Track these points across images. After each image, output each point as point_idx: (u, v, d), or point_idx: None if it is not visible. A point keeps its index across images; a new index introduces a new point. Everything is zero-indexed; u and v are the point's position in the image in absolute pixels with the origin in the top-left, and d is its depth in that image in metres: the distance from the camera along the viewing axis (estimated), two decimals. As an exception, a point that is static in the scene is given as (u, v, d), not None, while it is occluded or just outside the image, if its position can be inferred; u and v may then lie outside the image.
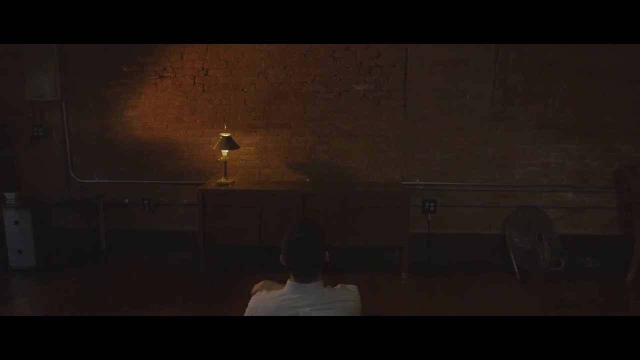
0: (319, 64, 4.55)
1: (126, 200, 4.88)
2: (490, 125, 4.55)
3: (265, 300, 1.77)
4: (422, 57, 4.46)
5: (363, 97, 4.58)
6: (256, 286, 2.07)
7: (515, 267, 4.28)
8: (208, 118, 4.70)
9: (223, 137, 4.36)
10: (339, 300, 1.77)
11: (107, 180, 4.86)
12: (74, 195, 4.86)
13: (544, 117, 4.51)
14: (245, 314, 1.80)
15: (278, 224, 4.19)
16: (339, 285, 1.87)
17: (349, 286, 1.88)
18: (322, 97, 4.61)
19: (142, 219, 4.91)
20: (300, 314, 1.69)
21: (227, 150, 4.40)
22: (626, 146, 4.51)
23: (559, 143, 4.54)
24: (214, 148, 4.48)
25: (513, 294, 3.95)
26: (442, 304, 3.70)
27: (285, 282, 1.80)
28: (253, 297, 1.83)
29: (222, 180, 4.43)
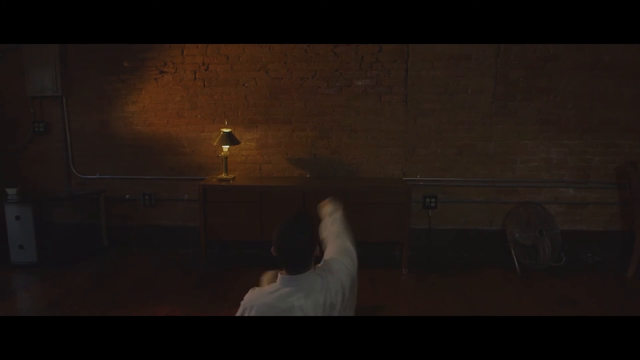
0: (320, 59, 4.53)
1: (127, 196, 4.89)
2: (491, 120, 4.54)
3: (260, 297, 1.76)
4: (423, 52, 4.45)
5: (364, 93, 4.57)
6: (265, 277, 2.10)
7: (516, 262, 4.29)
8: (209, 113, 4.70)
9: (224, 132, 4.36)
10: (330, 274, 1.78)
11: (108, 176, 4.87)
12: (75, 191, 4.87)
13: (546, 112, 4.50)
14: (238, 313, 1.78)
15: (279, 219, 4.17)
16: (321, 263, 1.88)
17: (333, 258, 1.89)
18: (323, 92, 4.60)
19: (143, 214, 4.92)
20: (296, 305, 1.69)
21: (227, 146, 4.40)
22: (628, 142, 4.50)
23: (560, 139, 4.54)
24: (214, 143, 4.48)
25: (513, 289, 3.96)
26: (442, 299, 3.71)
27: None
28: (246, 295, 1.81)
29: (223, 175, 4.44)
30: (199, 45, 4.56)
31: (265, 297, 1.75)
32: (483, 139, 4.58)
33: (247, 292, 1.87)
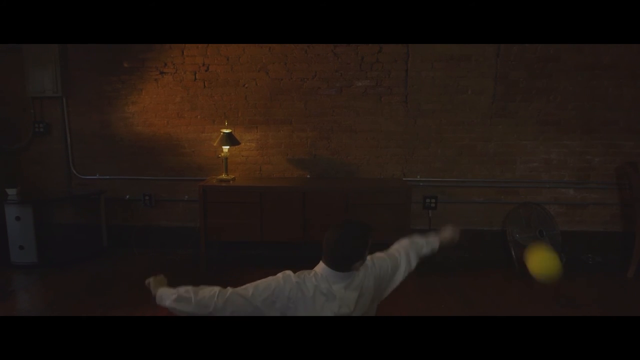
0: (320, 60, 4.54)
1: (127, 196, 4.89)
2: (491, 121, 4.54)
3: (306, 276, 1.87)
4: (423, 52, 4.45)
5: (364, 93, 4.57)
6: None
7: (516, 263, 4.28)
8: (209, 114, 4.70)
9: (224, 133, 4.36)
10: (368, 272, 1.95)
11: (108, 176, 4.87)
12: (75, 191, 4.87)
13: (546, 113, 4.50)
14: (273, 279, 1.86)
15: (279, 220, 4.21)
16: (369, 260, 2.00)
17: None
18: (323, 93, 4.60)
19: (143, 215, 4.92)
20: (338, 296, 1.83)
21: (228, 147, 4.40)
22: (628, 142, 4.50)
23: (560, 139, 4.54)
24: (214, 144, 4.48)
25: (513, 290, 3.96)
26: (442, 299, 3.71)
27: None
28: (295, 274, 1.89)
29: (223, 176, 4.44)
30: (199, 45, 4.56)
31: (310, 279, 1.86)
32: (483, 139, 4.58)
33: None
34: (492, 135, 4.57)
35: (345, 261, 1.85)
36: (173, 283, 4.29)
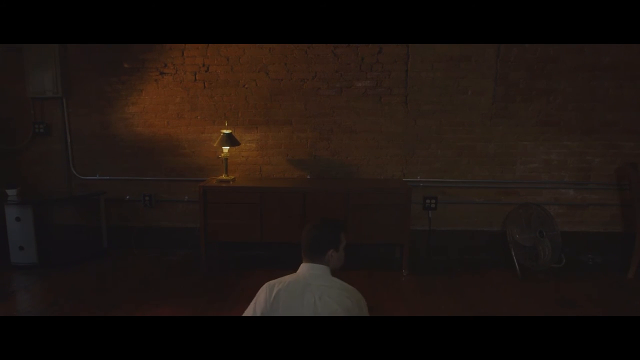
0: (320, 61, 4.54)
1: (127, 197, 4.89)
2: (491, 121, 4.54)
3: (285, 277, 1.98)
4: (423, 53, 4.45)
5: (364, 94, 4.57)
6: None
7: (516, 264, 4.28)
8: (209, 114, 4.70)
9: (224, 133, 4.36)
10: (343, 291, 1.93)
11: (108, 177, 4.87)
12: (75, 192, 4.87)
13: (546, 113, 4.50)
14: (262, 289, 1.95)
15: (279, 220, 4.20)
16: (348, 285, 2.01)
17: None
18: (323, 93, 4.60)
19: (143, 216, 4.92)
20: (313, 285, 1.89)
21: (228, 147, 4.40)
22: (628, 143, 4.50)
23: (560, 140, 4.54)
24: (214, 145, 4.48)
25: (514, 290, 3.95)
26: (442, 300, 3.71)
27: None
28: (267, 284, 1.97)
29: (223, 176, 4.44)
30: (199, 46, 4.57)
31: (287, 277, 1.98)
32: (483, 140, 4.58)
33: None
34: (492, 135, 4.57)
35: (318, 245, 1.98)
36: (172, 284, 4.33)
